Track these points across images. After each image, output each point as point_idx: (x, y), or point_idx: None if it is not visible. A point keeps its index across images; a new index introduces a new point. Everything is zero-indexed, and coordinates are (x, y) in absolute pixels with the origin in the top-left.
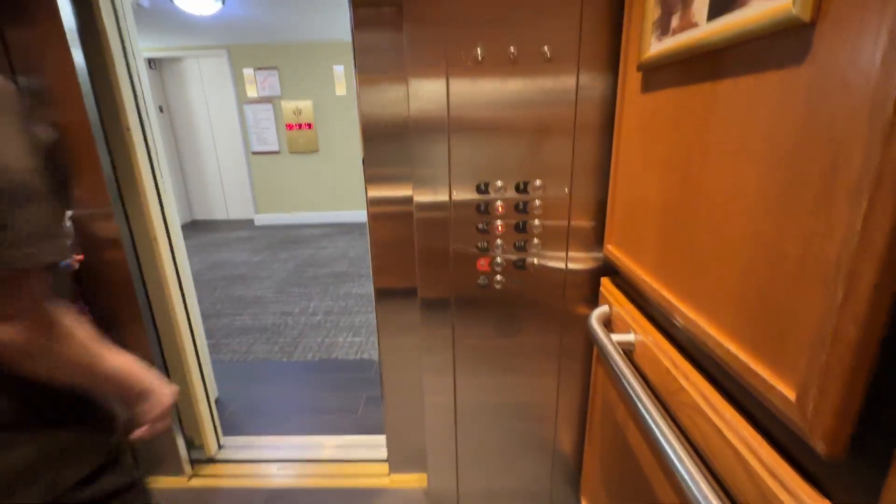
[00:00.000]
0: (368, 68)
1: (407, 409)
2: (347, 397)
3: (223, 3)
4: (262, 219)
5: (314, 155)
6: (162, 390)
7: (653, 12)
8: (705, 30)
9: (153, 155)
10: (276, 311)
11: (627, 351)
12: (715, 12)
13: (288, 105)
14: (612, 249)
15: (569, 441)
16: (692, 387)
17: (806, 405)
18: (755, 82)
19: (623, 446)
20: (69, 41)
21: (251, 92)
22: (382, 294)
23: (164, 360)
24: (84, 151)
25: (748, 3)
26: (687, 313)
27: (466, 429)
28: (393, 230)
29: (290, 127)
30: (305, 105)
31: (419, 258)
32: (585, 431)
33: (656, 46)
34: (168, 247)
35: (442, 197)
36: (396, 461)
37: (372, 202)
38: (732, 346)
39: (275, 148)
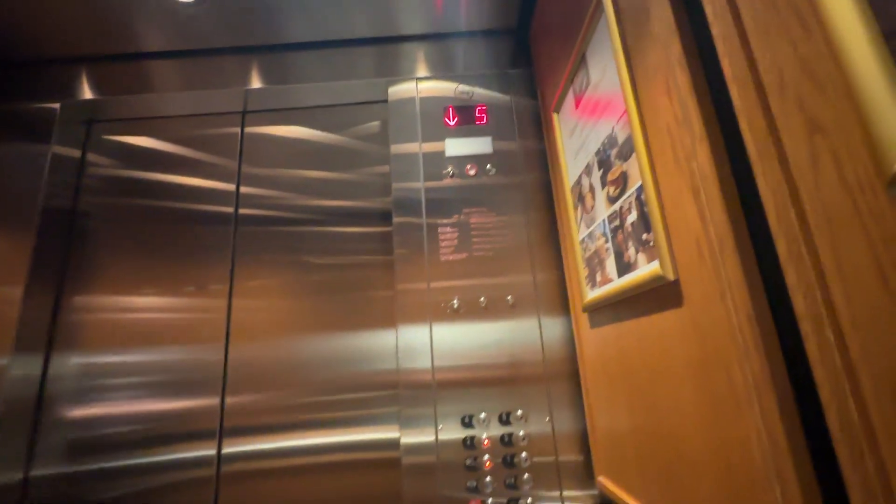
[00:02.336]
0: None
1: None
2: None
3: None
4: None
5: None
6: None
7: (583, 271)
8: (618, 284)
9: None
10: None
11: None
12: (621, 272)
13: None
14: (605, 481)
15: None
16: None
17: None
18: (663, 319)
19: None
20: None
21: None
22: None
23: None
24: None
25: (638, 267)
26: None
27: None
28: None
29: None
30: None
31: None
32: None
33: (591, 294)
34: None
35: (429, 437)
36: None
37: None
38: None
39: None
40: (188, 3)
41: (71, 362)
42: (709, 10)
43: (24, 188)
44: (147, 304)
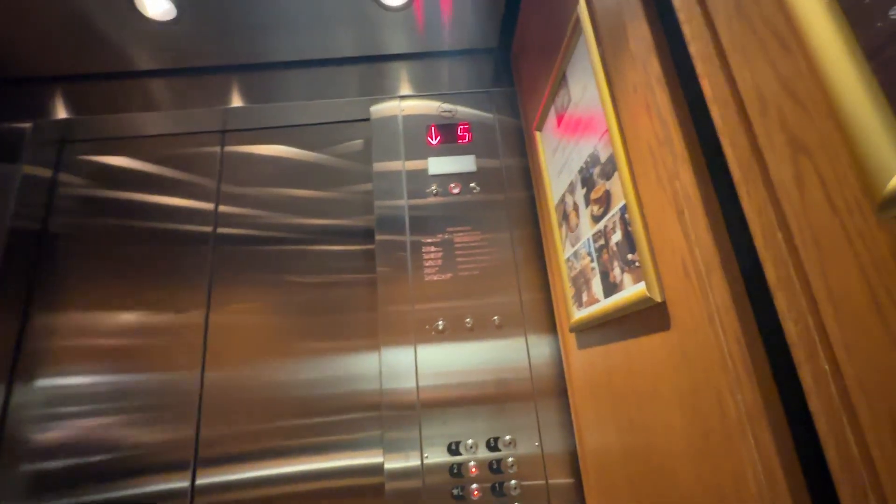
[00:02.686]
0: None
1: None
2: None
3: None
4: None
5: None
6: None
7: (569, 290)
8: (604, 304)
9: None
10: None
11: None
12: (607, 293)
13: None
14: None
15: None
16: None
17: None
18: (651, 342)
19: None
20: None
21: None
22: None
23: None
24: None
25: (624, 287)
26: None
27: None
28: None
29: None
30: None
31: None
32: None
33: (577, 314)
34: None
35: (414, 462)
36: None
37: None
38: None
39: None
40: (164, 21)
41: (35, 391)
42: (686, 29)
43: None
44: (119, 329)
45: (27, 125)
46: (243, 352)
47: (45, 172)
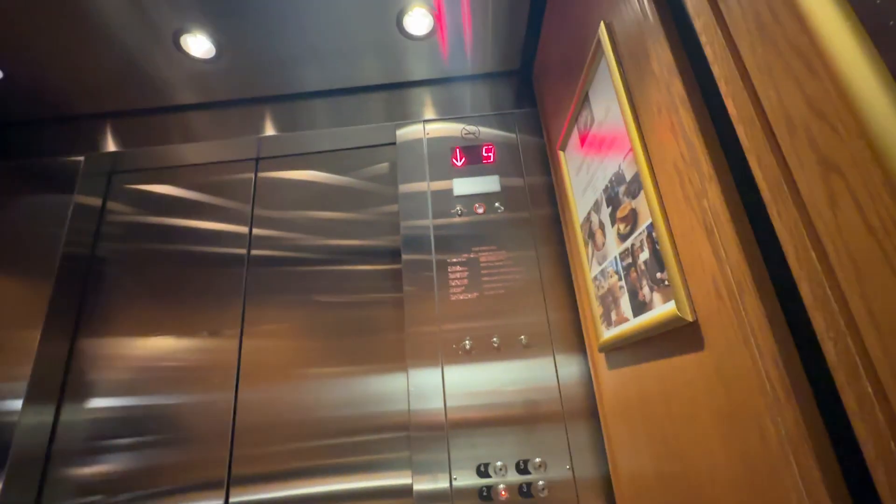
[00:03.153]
0: None
1: None
2: None
3: None
4: None
5: None
6: None
7: (597, 309)
8: (634, 324)
9: None
10: None
11: None
12: (636, 312)
13: None
14: None
15: None
16: None
17: None
18: (684, 363)
19: None
20: None
21: None
22: None
23: None
24: None
25: (654, 307)
26: None
27: None
28: None
29: None
30: None
31: None
32: None
33: (606, 333)
34: None
35: (442, 484)
36: None
37: None
38: None
39: None
40: (207, 59)
41: (80, 410)
42: (708, 51)
43: (47, 236)
44: (158, 350)
45: (80, 158)
46: (275, 372)
47: (95, 202)
